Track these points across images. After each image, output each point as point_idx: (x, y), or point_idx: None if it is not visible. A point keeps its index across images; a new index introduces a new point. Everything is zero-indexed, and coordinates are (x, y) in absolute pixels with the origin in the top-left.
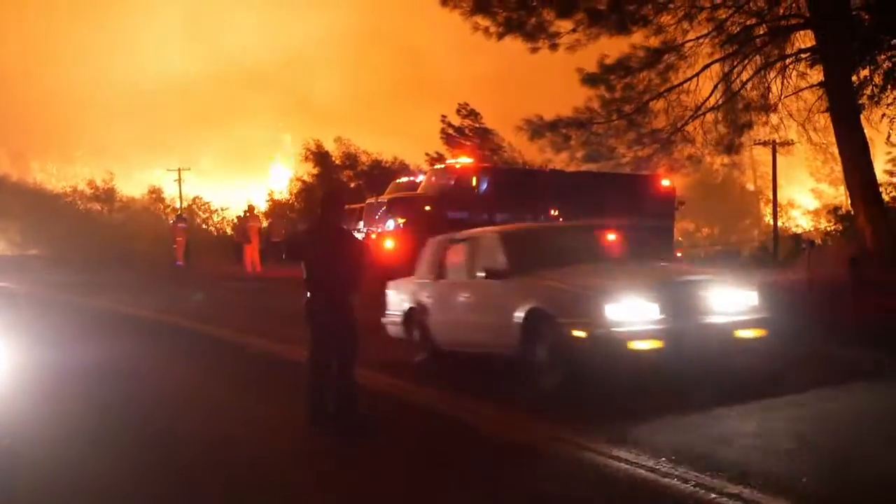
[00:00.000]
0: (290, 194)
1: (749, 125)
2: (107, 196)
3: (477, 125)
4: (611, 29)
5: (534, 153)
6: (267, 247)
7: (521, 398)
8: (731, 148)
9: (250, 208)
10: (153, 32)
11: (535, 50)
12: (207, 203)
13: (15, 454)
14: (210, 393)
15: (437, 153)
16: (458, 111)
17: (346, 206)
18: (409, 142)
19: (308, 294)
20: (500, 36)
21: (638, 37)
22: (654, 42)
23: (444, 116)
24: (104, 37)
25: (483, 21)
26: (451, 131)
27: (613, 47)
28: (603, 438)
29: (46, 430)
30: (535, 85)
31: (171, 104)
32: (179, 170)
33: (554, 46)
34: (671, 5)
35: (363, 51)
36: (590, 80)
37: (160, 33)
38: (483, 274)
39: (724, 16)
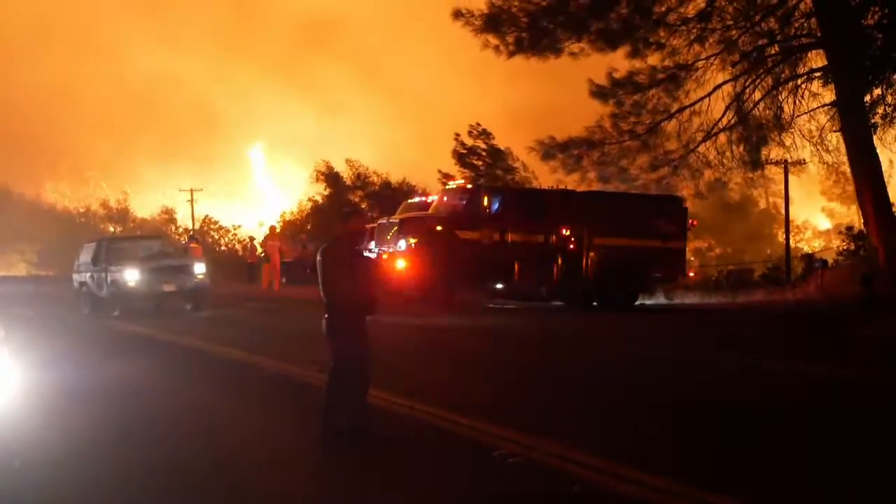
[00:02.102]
0: (301, 214)
1: (765, 142)
2: (120, 216)
3: (489, 145)
4: (622, 50)
5: (547, 173)
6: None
7: (544, 420)
8: (757, 164)
9: (272, 228)
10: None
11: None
12: (217, 222)
13: (23, 475)
14: (221, 413)
15: (446, 174)
16: (470, 132)
17: (366, 227)
18: (418, 161)
19: (326, 314)
20: (511, 54)
21: (652, 59)
22: (667, 64)
23: (457, 135)
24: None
25: (493, 39)
26: (463, 151)
27: (624, 65)
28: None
29: (55, 452)
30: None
31: (187, 121)
32: (192, 190)
33: (559, 51)
34: (683, 28)
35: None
36: (599, 94)
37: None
38: None
39: (735, 36)
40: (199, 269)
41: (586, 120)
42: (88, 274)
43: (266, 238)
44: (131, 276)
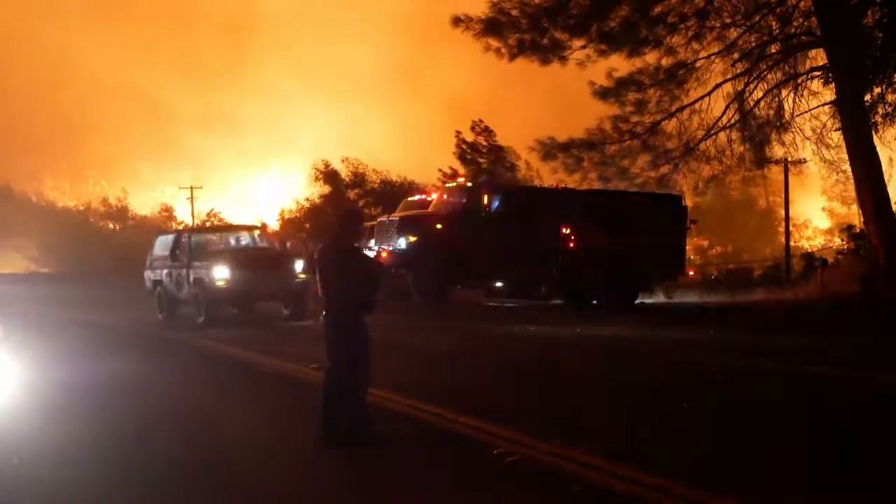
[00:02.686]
0: (300, 212)
1: (766, 141)
2: (120, 214)
3: (491, 143)
4: (622, 50)
5: (549, 171)
6: None
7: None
8: (762, 162)
9: (263, 226)
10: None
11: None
12: (222, 218)
13: (22, 473)
14: (221, 412)
15: (451, 168)
16: (473, 128)
17: (364, 225)
18: (422, 158)
19: (325, 312)
20: (512, 57)
21: (650, 57)
22: (667, 62)
23: (458, 132)
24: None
25: (494, 42)
26: (464, 147)
27: (625, 66)
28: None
29: (54, 450)
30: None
31: (185, 119)
32: (192, 187)
33: (563, 59)
34: (682, 26)
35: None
36: (602, 93)
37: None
38: None
39: (734, 35)
40: (299, 266)
41: (587, 120)
42: (165, 271)
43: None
44: (220, 273)
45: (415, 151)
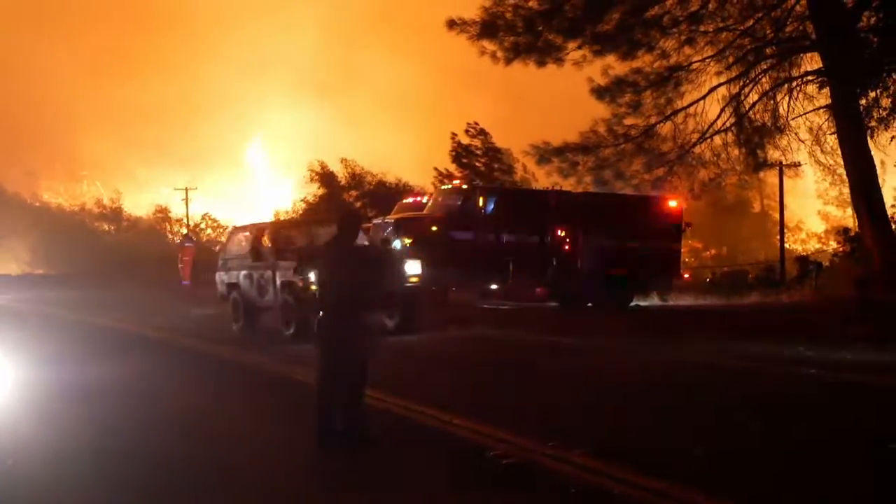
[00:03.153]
0: (296, 213)
1: (761, 145)
2: (114, 215)
3: (487, 145)
4: (617, 52)
5: (545, 173)
6: None
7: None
8: (759, 165)
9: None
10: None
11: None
12: (216, 220)
13: (17, 475)
14: (216, 412)
15: (446, 170)
16: (468, 130)
17: (362, 227)
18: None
19: (321, 313)
20: (508, 61)
21: (644, 60)
22: (661, 66)
23: (454, 135)
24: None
25: (490, 45)
26: (460, 150)
27: (620, 69)
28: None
29: (49, 451)
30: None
31: (177, 121)
32: (186, 189)
33: (559, 60)
34: (675, 30)
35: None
36: (598, 92)
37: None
38: None
39: (729, 38)
40: (413, 267)
41: (581, 123)
42: (243, 273)
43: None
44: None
45: (411, 154)
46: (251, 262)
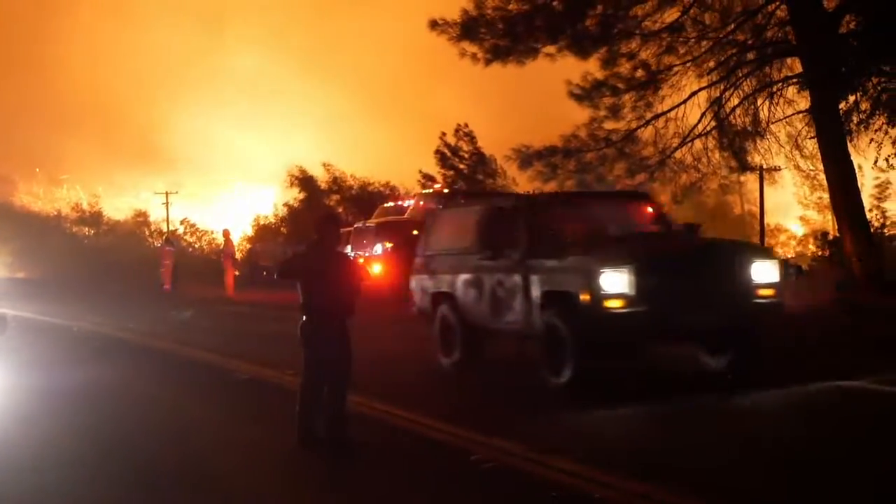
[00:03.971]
0: (276, 218)
1: (743, 149)
2: (93, 219)
3: (473, 149)
4: (596, 53)
5: (527, 178)
6: (253, 270)
7: (516, 423)
8: (744, 167)
9: (225, 233)
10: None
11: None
12: (195, 225)
13: (2, 479)
14: (198, 417)
15: (428, 175)
16: (456, 131)
17: (341, 230)
18: (398, 162)
19: (304, 317)
20: (488, 62)
21: (624, 67)
22: (641, 74)
23: (443, 134)
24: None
25: (470, 47)
26: (445, 150)
27: (599, 73)
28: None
29: (31, 456)
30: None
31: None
32: (167, 193)
33: (535, 55)
34: (658, 34)
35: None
36: (577, 95)
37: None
38: None
39: (711, 42)
40: (766, 272)
41: (563, 127)
42: (464, 277)
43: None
44: (613, 282)
45: (394, 156)
46: (481, 261)
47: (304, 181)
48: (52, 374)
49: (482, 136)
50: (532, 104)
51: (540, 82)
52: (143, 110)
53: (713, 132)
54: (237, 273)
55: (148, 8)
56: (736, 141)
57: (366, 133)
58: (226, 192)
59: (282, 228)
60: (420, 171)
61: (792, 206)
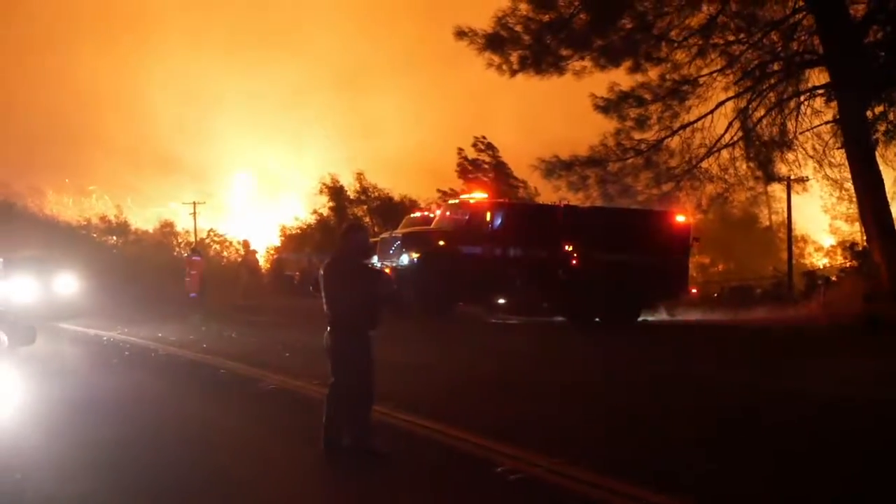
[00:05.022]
0: (301, 228)
1: (769, 159)
2: (120, 229)
3: (494, 160)
4: (624, 63)
5: (552, 188)
6: (281, 279)
7: (540, 436)
8: (770, 178)
9: (245, 243)
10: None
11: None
12: (222, 235)
13: (26, 488)
14: (225, 426)
15: (450, 189)
16: (475, 144)
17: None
18: (424, 175)
19: (328, 327)
20: (514, 73)
21: (652, 73)
22: (669, 80)
23: (460, 149)
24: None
25: (496, 58)
26: (467, 164)
27: (627, 82)
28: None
29: (57, 465)
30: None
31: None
32: (195, 203)
33: (562, 71)
34: (685, 43)
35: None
36: (603, 107)
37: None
38: None
39: (737, 52)
40: None
41: (590, 137)
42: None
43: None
44: None
45: (418, 168)
46: None
47: (334, 190)
48: (81, 383)
49: (503, 146)
50: (557, 114)
51: (565, 92)
52: (171, 121)
53: (739, 142)
54: (262, 280)
55: (178, 23)
56: (759, 152)
57: (389, 145)
58: (253, 202)
59: (314, 235)
60: (438, 190)
61: (820, 217)
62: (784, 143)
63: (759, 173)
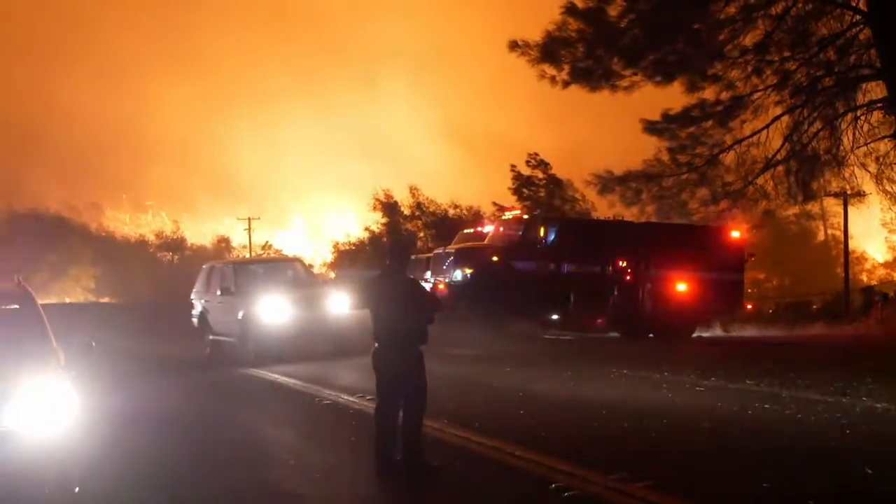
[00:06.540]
0: (353, 243)
1: (822, 173)
2: (177, 245)
3: (546, 175)
4: (676, 80)
5: (605, 204)
6: None
7: (592, 451)
8: (810, 196)
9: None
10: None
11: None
12: (278, 250)
13: (84, 501)
14: (280, 441)
15: (502, 206)
16: (528, 161)
17: (413, 256)
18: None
19: (376, 343)
20: (566, 84)
21: (708, 92)
22: (725, 97)
23: (513, 166)
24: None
25: (549, 70)
26: (520, 181)
27: (680, 97)
28: None
29: (114, 475)
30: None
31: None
32: (249, 219)
33: (614, 88)
34: (740, 60)
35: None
36: (652, 129)
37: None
38: None
39: (793, 68)
40: None
41: (644, 152)
42: None
43: None
44: None
45: (473, 183)
46: None
47: (388, 206)
48: (138, 397)
49: (554, 160)
50: (612, 128)
51: (618, 106)
52: (226, 140)
53: (795, 158)
54: None
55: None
56: (812, 168)
57: (443, 159)
58: (304, 219)
59: (367, 249)
60: (494, 203)
61: (878, 232)
62: (836, 158)
63: (809, 190)
